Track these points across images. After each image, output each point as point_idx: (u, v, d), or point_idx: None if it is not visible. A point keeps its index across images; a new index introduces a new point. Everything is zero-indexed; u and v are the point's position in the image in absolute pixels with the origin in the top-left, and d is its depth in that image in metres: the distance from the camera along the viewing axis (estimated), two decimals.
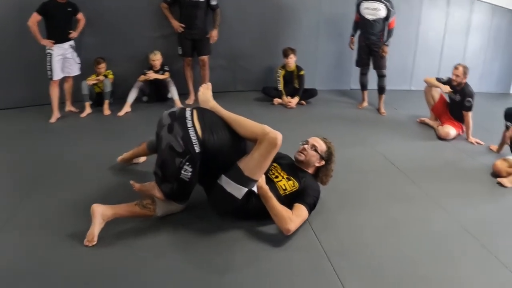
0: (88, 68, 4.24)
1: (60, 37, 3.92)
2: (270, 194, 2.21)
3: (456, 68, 4.00)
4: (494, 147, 3.87)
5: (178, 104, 4.41)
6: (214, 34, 4.52)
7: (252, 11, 4.93)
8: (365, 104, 4.98)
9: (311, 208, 2.31)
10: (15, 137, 3.59)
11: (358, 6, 4.57)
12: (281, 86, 4.82)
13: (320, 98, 5.04)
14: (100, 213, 2.13)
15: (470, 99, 3.93)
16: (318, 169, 2.53)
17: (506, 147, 3.73)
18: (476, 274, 2.10)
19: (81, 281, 1.86)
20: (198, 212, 2.44)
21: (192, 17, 4.37)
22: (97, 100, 4.32)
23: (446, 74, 5.60)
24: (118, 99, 4.41)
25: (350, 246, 2.24)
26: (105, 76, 4.28)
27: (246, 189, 2.19)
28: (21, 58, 4.12)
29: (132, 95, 4.33)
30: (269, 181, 2.34)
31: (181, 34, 4.45)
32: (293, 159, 2.57)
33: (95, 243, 2.08)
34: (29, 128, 3.81)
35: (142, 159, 3.07)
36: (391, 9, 4.37)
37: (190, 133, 2.12)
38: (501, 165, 3.29)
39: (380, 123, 4.50)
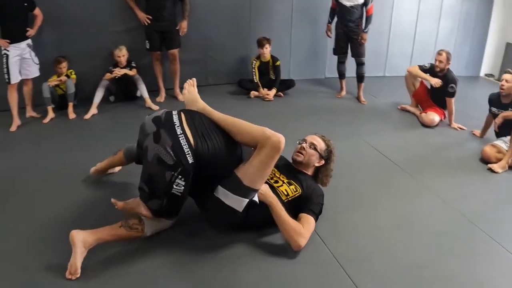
0: (48, 68, 3.80)
1: (16, 36, 3.51)
2: (280, 206, 2.02)
3: (439, 54, 3.95)
4: (477, 132, 3.87)
5: (149, 102, 4.09)
6: (183, 26, 4.21)
7: None
8: (344, 93, 4.87)
9: (317, 216, 2.14)
10: None
11: None
12: (256, 77, 4.60)
13: (297, 88, 4.86)
14: (81, 240, 1.84)
15: (453, 85, 3.89)
16: (317, 169, 2.36)
17: (489, 132, 3.74)
18: (492, 270, 2.04)
19: None
20: (190, 227, 2.22)
21: (159, 8, 4.04)
22: (60, 103, 3.91)
23: (419, 59, 5.64)
24: (82, 101, 4.02)
25: (362, 250, 2.12)
26: (67, 76, 3.88)
27: (247, 200, 1.97)
28: None
29: (99, 96, 3.96)
30: (269, 187, 2.12)
31: (148, 26, 4.11)
32: (290, 160, 2.39)
33: (78, 275, 1.80)
34: None
35: (118, 168, 2.78)
36: None
37: (181, 141, 1.85)
38: (490, 151, 3.27)
39: (362, 113, 4.40)
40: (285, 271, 1.94)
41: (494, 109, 3.47)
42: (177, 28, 4.19)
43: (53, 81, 3.81)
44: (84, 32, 4.03)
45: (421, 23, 5.62)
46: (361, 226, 2.33)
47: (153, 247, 2.04)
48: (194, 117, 2.02)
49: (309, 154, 2.29)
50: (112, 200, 1.99)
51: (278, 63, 4.61)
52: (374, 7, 4.32)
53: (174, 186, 1.87)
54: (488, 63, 6.18)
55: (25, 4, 3.53)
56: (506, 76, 3.26)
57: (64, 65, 3.84)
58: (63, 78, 3.85)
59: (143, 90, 4.12)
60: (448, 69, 3.96)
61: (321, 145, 2.33)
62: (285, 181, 2.20)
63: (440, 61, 3.92)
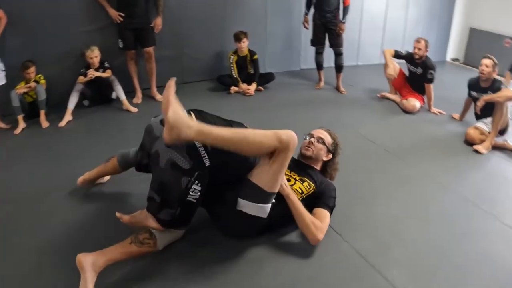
0: (14, 74, 3.48)
1: None
2: (298, 201, 1.97)
3: (418, 41, 4.03)
4: (456, 115, 4.00)
5: (126, 104, 3.88)
6: (158, 22, 4.01)
7: None
8: (322, 84, 4.87)
9: (332, 210, 2.11)
10: None
11: None
12: (235, 73, 4.50)
13: (275, 81, 4.80)
14: (90, 264, 1.68)
15: (432, 71, 4.00)
16: (325, 164, 2.34)
17: (468, 114, 3.89)
18: (499, 245, 2.17)
19: None
20: (199, 235, 2.10)
21: (131, 4, 3.81)
22: (30, 111, 3.60)
23: (388, 47, 5.74)
24: (53, 107, 3.73)
25: (380, 241, 2.14)
26: (36, 82, 3.58)
27: (270, 205, 1.91)
28: None
29: (73, 101, 3.70)
30: None
31: (120, 24, 3.87)
32: (298, 155, 2.35)
33: None
34: None
35: (107, 178, 2.59)
36: None
37: (196, 143, 1.72)
38: (474, 133, 3.40)
39: (344, 103, 4.42)
40: (311, 270, 1.90)
41: (473, 93, 3.60)
42: (151, 25, 3.99)
43: (22, 88, 3.49)
44: (51, 33, 3.72)
45: (390, 12, 5.74)
46: (373, 217, 2.34)
47: (165, 261, 1.92)
48: (206, 117, 1.86)
49: (318, 148, 2.26)
50: (117, 214, 1.85)
51: (256, 57, 4.53)
52: None
53: (190, 193, 1.75)
54: (454, 48, 6.44)
55: None
56: (485, 61, 3.38)
57: (32, 70, 3.54)
58: (32, 84, 3.55)
59: (119, 92, 3.90)
60: (426, 56, 4.06)
61: (327, 138, 2.30)
62: (297, 178, 2.15)
63: (419, 49, 4.00)
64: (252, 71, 4.59)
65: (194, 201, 1.79)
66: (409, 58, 4.19)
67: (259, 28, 4.99)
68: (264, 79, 4.67)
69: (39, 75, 3.63)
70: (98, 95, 3.98)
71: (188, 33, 4.54)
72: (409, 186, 2.72)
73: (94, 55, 3.79)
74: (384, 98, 4.50)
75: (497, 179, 2.95)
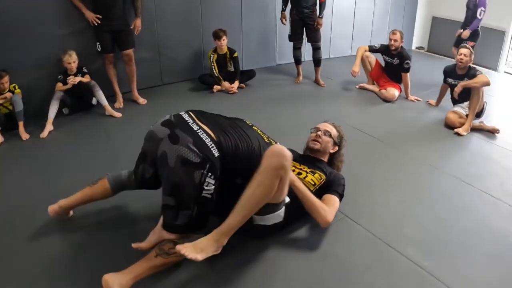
0: None
1: None
2: (303, 186, 2.02)
3: (393, 33, 4.19)
4: (432, 101, 4.22)
5: (109, 110, 3.75)
6: (138, 24, 3.90)
7: None
8: (301, 78, 4.95)
9: (341, 196, 2.19)
10: None
11: None
12: (216, 71, 4.47)
13: (254, 78, 4.82)
14: (118, 284, 1.63)
15: (408, 61, 4.19)
16: (331, 156, 2.41)
17: (444, 100, 4.11)
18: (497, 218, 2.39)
19: None
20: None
21: (109, 5, 3.67)
22: (7, 123, 3.39)
23: (358, 39, 5.97)
24: (31, 118, 3.52)
25: (392, 223, 2.29)
26: (12, 92, 3.38)
27: (284, 208, 1.96)
28: None
29: (53, 110, 3.51)
30: None
31: (98, 27, 3.72)
32: (299, 152, 2.44)
33: None
34: None
35: (71, 213, 2.23)
36: None
37: (202, 136, 1.75)
38: (453, 117, 3.60)
39: (325, 95, 4.53)
40: (333, 259, 1.98)
41: (450, 80, 3.80)
42: (131, 27, 3.88)
43: None
44: (24, 39, 3.51)
45: (359, 5, 5.91)
46: (380, 203, 2.48)
47: (178, 267, 1.88)
48: (205, 114, 1.94)
49: (325, 141, 2.34)
50: (133, 245, 1.82)
51: (235, 54, 4.52)
52: None
53: (205, 187, 1.74)
54: (418, 37, 6.75)
55: None
56: (463, 50, 3.58)
57: (6, 79, 3.33)
58: (8, 94, 3.35)
59: (101, 98, 3.76)
60: (402, 47, 4.24)
61: (333, 131, 2.39)
62: (308, 171, 2.21)
63: (395, 40, 4.17)
64: (232, 69, 4.58)
65: (209, 196, 1.77)
66: (384, 50, 4.36)
67: (235, 26, 4.98)
68: (246, 76, 4.68)
69: (14, 85, 3.43)
70: (77, 102, 3.81)
71: (164, 33, 4.45)
72: (405, 172, 2.88)
73: (72, 60, 3.63)
74: (362, 89, 4.64)
75: (479, 157, 3.19)
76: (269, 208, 1.87)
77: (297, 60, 4.87)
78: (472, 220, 2.34)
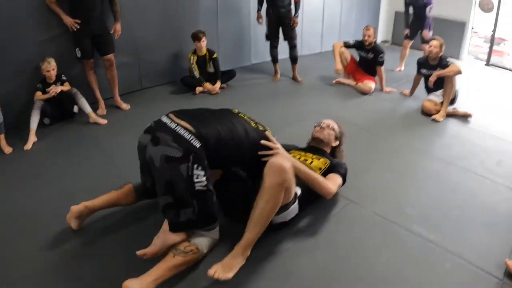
0: None
1: None
2: (303, 166, 2.15)
3: (367, 29, 4.40)
4: (406, 92, 4.47)
5: (94, 117, 3.66)
6: (118, 28, 3.83)
7: None
8: (279, 76, 5.06)
9: (343, 177, 2.32)
10: None
11: None
12: (197, 73, 4.48)
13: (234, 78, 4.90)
14: None
15: (382, 55, 4.41)
16: (333, 150, 2.55)
17: (418, 89, 4.36)
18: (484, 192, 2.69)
19: None
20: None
21: (88, 9, 3.57)
22: None
23: (327, 36, 6.18)
24: (10, 130, 3.34)
25: (394, 205, 2.46)
26: None
27: (297, 201, 2.08)
28: None
29: (35, 120, 3.37)
30: None
31: (77, 32, 3.61)
32: (309, 142, 2.58)
33: None
34: None
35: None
36: None
37: (179, 131, 1.80)
38: (429, 105, 3.85)
39: (305, 91, 4.67)
40: (348, 244, 2.09)
41: (424, 70, 4.05)
42: (111, 31, 3.80)
43: None
44: None
45: (327, 3, 6.12)
46: (380, 187, 2.65)
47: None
48: (185, 111, 2.01)
49: (329, 133, 2.48)
50: (138, 252, 1.82)
51: (215, 55, 4.55)
52: None
53: (195, 180, 1.76)
54: (383, 31, 7.08)
55: None
56: (434, 43, 3.84)
57: None
58: None
59: (84, 105, 3.66)
60: (375, 41, 4.46)
61: (335, 126, 2.54)
62: (313, 157, 2.34)
63: (369, 36, 4.38)
64: (211, 70, 4.60)
65: (204, 188, 1.79)
66: (358, 45, 4.57)
67: (211, 27, 4.98)
68: (227, 77, 4.72)
69: None
70: (58, 111, 3.69)
71: (142, 37, 4.40)
72: (396, 157, 3.09)
73: (51, 67, 3.50)
74: (339, 83, 4.82)
75: (458, 140, 3.46)
76: (283, 207, 1.96)
77: (274, 59, 4.97)
78: (463, 196, 2.58)
